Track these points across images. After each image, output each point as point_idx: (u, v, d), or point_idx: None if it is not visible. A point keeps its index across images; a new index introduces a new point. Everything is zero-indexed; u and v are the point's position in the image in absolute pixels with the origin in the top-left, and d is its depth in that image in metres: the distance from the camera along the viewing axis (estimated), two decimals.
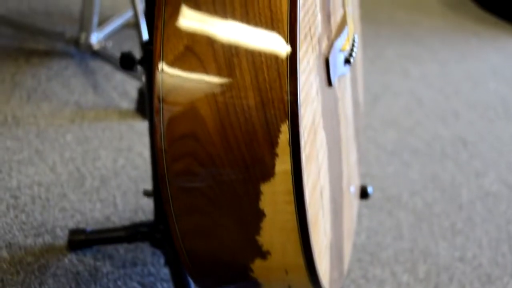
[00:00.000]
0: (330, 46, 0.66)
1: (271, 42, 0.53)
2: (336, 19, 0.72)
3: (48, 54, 1.39)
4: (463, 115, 1.61)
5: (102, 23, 1.46)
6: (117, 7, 1.69)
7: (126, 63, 0.79)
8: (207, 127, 0.54)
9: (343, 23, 0.74)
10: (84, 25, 1.38)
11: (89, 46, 1.39)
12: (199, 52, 0.54)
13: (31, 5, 1.61)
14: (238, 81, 0.54)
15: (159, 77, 0.55)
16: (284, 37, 0.53)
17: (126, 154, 1.16)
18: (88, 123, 1.22)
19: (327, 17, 0.66)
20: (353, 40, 0.76)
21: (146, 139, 1.21)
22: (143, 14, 1.32)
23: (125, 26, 1.54)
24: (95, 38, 1.39)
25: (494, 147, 1.48)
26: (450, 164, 1.39)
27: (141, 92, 1.28)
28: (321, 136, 0.63)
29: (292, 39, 0.53)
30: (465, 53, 2.00)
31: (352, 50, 0.73)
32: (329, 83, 0.66)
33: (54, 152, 1.13)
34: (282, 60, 0.53)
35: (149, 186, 1.09)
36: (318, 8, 0.62)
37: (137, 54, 1.43)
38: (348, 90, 0.83)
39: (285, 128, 0.53)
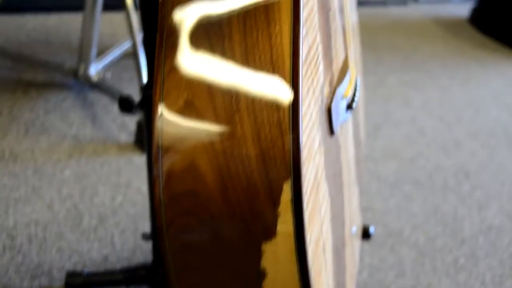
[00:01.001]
0: (333, 94, 0.65)
1: (273, 99, 0.52)
2: (338, 64, 0.71)
3: (46, 86, 1.38)
4: (465, 144, 1.60)
5: (101, 52, 1.45)
6: (116, 34, 1.69)
7: (125, 106, 0.78)
8: (208, 184, 0.53)
9: (345, 68, 0.73)
10: (83, 56, 1.37)
11: (87, 78, 1.38)
12: (200, 106, 0.53)
13: (30, 34, 1.60)
14: (240, 138, 0.52)
15: (158, 125, 0.54)
16: (286, 96, 0.51)
17: (124, 190, 1.14)
18: (86, 158, 1.20)
19: (329, 64, 0.65)
20: (355, 85, 0.75)
21: (144, 174, 1.20)
22: (142, 44, 1.31)
23: (124, 55, 1.53)
24: (94, 70, 1.39)
25: (496, 178, 1.47)
26: (452, 196, 1.37)
27: (139, 125, 1.27)
28: (324, 188, 0.61)
29: (294, 97, 0.52)
30: (466, 79, 2.00)
31: (354, 95, 0.72)
32: (331, 132, 0.64)
33: (52, 188, 1.11)
34: (284, 116, 0.52)
35: (147, 224, 1.08)
36: (320, 57, 0.60)
37: (136, 85, 1.43)
38: (349, 131, 0.81)
39: (287, 187, 0.52)
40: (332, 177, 0.66)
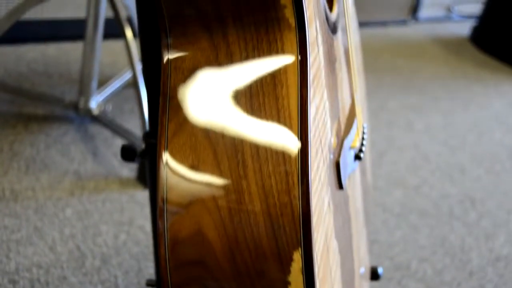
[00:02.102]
0: (340, 147, 0.64)
1: (281, 165, 0.51)
2: (344, 113, 0.70)
3: (47, 119, 1.37)
4: (469, 170, 1.58)
5: (101, 83, 1.44)
6: (116, 64, 1.68)
7: (127, 155, 0.76)
8: (216, 253, 0.51)
9: (351, 116, 0.72)
10: (84, 89, 1.36)
11: (88, 111, 1.37)
12: (205, 172, 0.52)
13: (30, 65, 1.59)
14: (247, 206, 0.51)
15: (163, 188, 0.53)
16: (295, 165, 0.50)
17: (127, 229, 1.13)
18: (88, 195, 1.19)
19: (336, 116, 0.64)
20: (363, 133, 0.73)
21: (147, 210, 1.18)
22: (142, 77, 1.30)
23: (125, 85, 1.52)
24: (95, 103, 1.37)
25: (502, 205, 1.45)
26: (458, 226, 1.35)
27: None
28: (334, 246, 0.60)
29: (303, 162, 0.50)
30: (468, 101, 1.98)
31: (362, 144, 0.71)
32: (340, 186, 0.63)
33: (54, 228, 1.09)
34: (293, 183, 0.50)
35: (150, 264, 1.06)
36: (327, 114, 0.59)
37: (137, 116, 1.41)
38: (357, 177, 0.80)
39: (297, 256, 0.50)
40: (341, 231, 0.65)
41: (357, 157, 0.69)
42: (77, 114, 1.38)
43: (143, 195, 1.22)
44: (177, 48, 0.54)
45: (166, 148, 0.52)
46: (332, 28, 0.65)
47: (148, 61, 0.71)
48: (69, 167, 1.25)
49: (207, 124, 0.52)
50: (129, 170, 1.27)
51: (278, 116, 0.51)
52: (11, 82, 1.49)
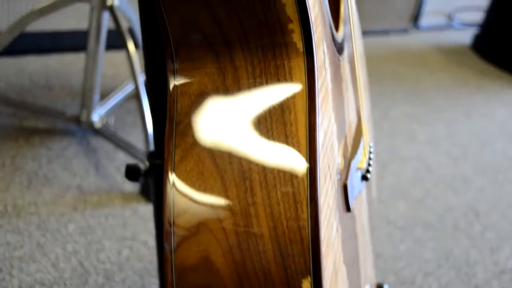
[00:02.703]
0: (347, 168, 0.63)
1: (290, 192, 0.50)
2: (351, 133, 0.69)
3: (49, 133, 1.36)
4: (473, 181, 1.57)
5: (103, 95, 1.43)
6: (118, 75, 1.67)
7: (131, 175, 0.76)
8: (223, 280, 0.51)
9: (358, 136, 0.71)
10: (86, 103, 1.35)
11: (90, 124, 1.36)
12: (213, 198, 0.51)
13: (31, 77, 1.58)
14: (256, 234, 0.50)
15: (170, 213, 0.52)
16: (304, 192, 0.49)
17: (130, 244, 1.12)
18: (91, 210, 1.18)
19: (343, 139, 0.63)
20: (370, 152, 0.73)
21: (150, 225, 1.17)
22: (145, 92, 1.30)
23: (127, 97, 1.52)
24: (97, 116, 1.37)
25: (506, 217, 1.45)
26: (463, 238, 1.35)
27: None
28: (342, 271, 0.59)
29: (312, 190, 0.50)
30: (471, 110, 1.98)
31: (369, 164, 0.70)
32: (348, 209, 0.62)
33: (57, 245, 1.09)
34: (302, 211, 0.50)
35: (154, 280, 1.05)
36: (335, 137, 0.59)
37: (139, 129, 1.41)
38: (363, 196, 0.79)
39: (306, 284, 0.49)
40: (348, 253, 0.64)
41: (364, 177, 0.69)
42: (79, 127, 1.37)
43: (146, 209, 1.21)
44: (183, 73, 0.53)
45: (173, 172, 0.52)
46: (339, 48, 0.65)
47: (152, 75, 0.71)
48: (71, 181, 1.24)
49: (214, 150, 0.51)
50: (131, 184, 1.27)
51: (286, 142, 0.51)
52: (12, 95, 1.48)
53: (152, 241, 1.14)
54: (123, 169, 1.31)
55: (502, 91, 2.18)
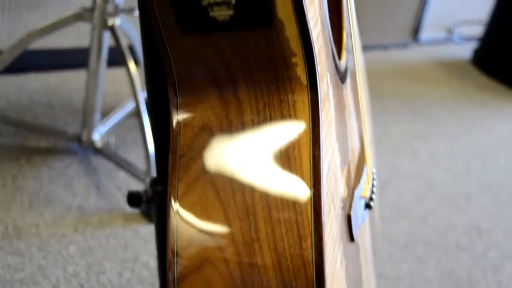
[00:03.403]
0: (351, 198, 0.63)
1: (294, 227, 0.50)
2: (354, 160, 0.69)
3: (50, 152, 1.36)
4: (475, 198, 1.57)
5: (104, 113, 1.43)
6: (119, 93, 1.67)
7: (133, 202, 0.76)
8: None
9: (361, 163, 0.71)
10: (86, 122, 1.35)
11: (91, 143, 1.36)
12: (216, 232, 0.51)
13: (32, 95, 1.58)
14: (260, 268, 0.50)
15: (173, 246, 0.52)
16: (308, 227, 0.49)
17: (131, 266, 1.12)
18: (92, 231, 1.17)
19: (346, 164, 0.63)
20: (373, 179, 0.72)
21: (151, 246, 1.17)
22: (147, 111, 1.30)
23: (128, 115, 1.51)
24: (98, 135, 1.37)
25: (509, 235, 1.44)
26: (465, 257, 1.34)
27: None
28: None
29: (316, 224, 0.49)
30: (472, 126, 1.98)
31: (372, 192, 0.70)
32: (351, 239, 0.62)
33: (57, 267, 1.08)
34: (306, 246, 0.49)
35: None
36: (338, 168, 0.58)
37: (140, 147, 1.40)
38: (366, 223, 0.79)
39: None
40: (352, 284, 0.64)
41: (368, 206, 0.68)
42: (80, 147, 1.37)
43: (147, 230, 1.21)
44: (186, 106, 0.53)
45: (176, 204, 0.52)
46: (342, 77, 0.65)
47: (153, 93, 0.70)
48: (72, 201, 1.24)
49: (218, 184, 0.51)
50: None
51: (290, 177, 0.50)
52: (13, 114, 1.48)
53: (153, 263, 1.13)
54: (124, 189, 1.31)
55: (503, 106, 2.18)
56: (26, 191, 1.24)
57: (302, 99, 0.51)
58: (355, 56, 0.77)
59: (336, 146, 0.57)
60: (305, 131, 0.51)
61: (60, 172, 1.31)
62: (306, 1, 0.48)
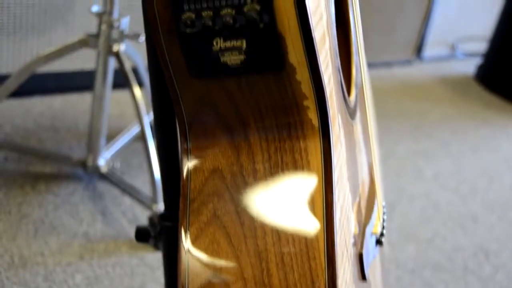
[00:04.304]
0: (363, 236, 0.62)
1: (307, 275, 0.49)
2: (364, 194, 0.68)
3: (55, 178, 1.36)
4: (481, 219, 1.56)
5: (109, 137, 1.43)
6: (124, 115, 1.67)
7: (141, 237, 0.75)
8: None
9: (371, 197, 0.70)
10: (92, 147, 1.35)
11: (96, 169, 1.36)
12: (229, 278, 0.50)
13: (37, 119, 1.58)
14: None
15: (184, 277, 0.51)
16: (322, 273, 0.48)
17: None
18: (98, 259, 1.17)
19: (357, 201, 0.63)
20: (383, 213, 0.72)
21: (158, 274, 1.16)
22: (150, 130, 1.30)
23: (134, 139, 1.51)
24: (103, 160, 1.36)
25: None
26: (473, 280, 1.33)
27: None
28: None
29: (330, 270, 0.49)
30: (477, 144, 1.97)
31: (383, 227, 0.69)
32: (363, 277, 0.61)
33: None
34: None
35: None
36: (350, 207, 0.58)
37: (145, 172, 1.40)
38: (377, 258, 0.78)
39: None
40: None
41: (379, 242, 0.68)
42: (85, 172, 1.37)
43: (154, 257, 1.20)
44: (197, 150, 0.52)
45: (187, 251, 0.51)
46: (351, 113, 0.64)
47: (159, 117, 0.69)
48: (78, 229, 1.23)
49: (229, 230, 0.51)
50: None
51: (303, 223, 0.50)
52: (18, 139, 1.48)
53: None
54: (129, 214, 1.30)
55: (508, 123, 2.18)
56: (31, 219, 1.24)
57: (314, 144, 0.50)
58: (363, 77, 0.76)
59: (347, 186, 0.57)
60: (317, 176, 0.50)
61: (65, 199, 1.31)
62: (318, 45, 0.48)
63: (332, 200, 0.50)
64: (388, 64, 2.48)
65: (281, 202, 0.50)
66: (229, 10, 0.46)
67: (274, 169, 0.51)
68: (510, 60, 2.40)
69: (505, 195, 1.69)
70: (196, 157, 0.52)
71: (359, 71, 0.72)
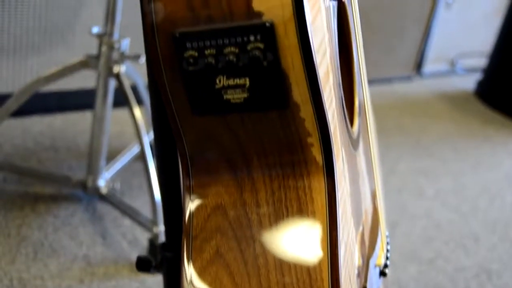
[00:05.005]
0: (366, 269, 0.61)
1: None
2: (368, 223, 0.67)
3: (54, 199, 1.35)
4: (483, 238, 1.55)
5: (109, 156, 1.42)
6: (124, 134, 1.67)
7: (142, 267, 0.74)
8: None
9: (375, 227, 0.69)
10: (92, 168, 1.34)
11: (96, 190, 1.35)
12: None
13: (36, 139, 1.57)
14: None
15: None
16: None
17: None
18: (98, 282, 1.16)
19: (360, 232, 0.62)
20: (387, 243, 0.71)
21: None
22: (151, 150, 1.29)
23: (134, 159, 1.51)
24: (103, 181, 1.35)
25: None
26: None
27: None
28: None
29: None
30: (477, 162, 1.97)
31: (387, 258, 0.69)
32: None
33: None
34: None
35: None
36: (354, 241, 0.57)
37: (145, 192, 1.39)
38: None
39: None
40: None
41: (382, 273, 0.67)
42: (85, 193, 1.36)
43: (154, 280, 1.19)
44: (199, 187, 0.52)
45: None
46: (354, 144, 0.64)
47: (160, 136, 0.68)
48: (78, 251, 1.22)
49: (232, 268, 0.50)
50: (139, 252, 1.25)
51: (306, 261, 0.49)
52: (17, 159, 1.47)
53: None
54: (129, 236, 1.29)
55: (509, 140, 2.17)
56: (31, 241, 1.23)
57: (318, 181, 0.50)
58: (365, 96, 0.76)
59: (352, 222, 0.56)
60: (321, 214, 0.49)
61: (65, 220, 1.30)
62: (322, 82, 0.47)
63: (336, 238, 0.49)
64: (388, 80, 2.48)
65: (284, 239, 0.50)
66: (232, 49, 0.46)
67: (278, 206, 0.50)
68: (510, 76, 2.40)
69: (506, 213, 1.69)
70: (199, 194, 0.52)
71: (360, 90, 0.71)
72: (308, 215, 0.50)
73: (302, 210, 0.50)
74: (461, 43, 2.66)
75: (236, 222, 0.51)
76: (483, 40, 2.66)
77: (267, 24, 0.44)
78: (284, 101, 0.47)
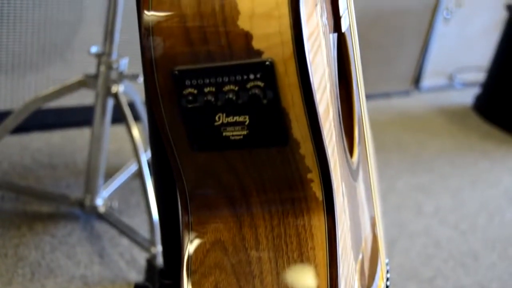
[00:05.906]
0: None
1: None
2: (367, 252, 0.67)
3: (52, 218, 1.34)
4: (483, 256, 1.55)
5: (107, 172, 1.41)
6: (122, 151, 1.66)
7: None
8: None
9: (375, 256, 0.69)
10: (89, 187, 1.34)
11: (94, 208, 1.34)
12: None
13: (34, 156, 1.57)
14: None
15: None
16: None
17: None
18: None
19: (360, 262, 0.61)
20: (387, 272, 0.71)
21: None
22: (148, 169, 1.28)
23: (131, 177, 1.50)
24: (101, 200, 1.35)
25: None
26: None
27: (150, 263, 1.22)
28: None
29: None
30: (476, 177, 1.96)
31: (387, 287, 0.68)
32: None
33: None
34: None
35: None
36: (355, 273, 0.57)
37: (143, 209, 1.39)
38: None
39: None
40: None
41: None
42: (83, 212, 1.36)
43: None
44: (198, 223, 0.52)
45: None
46: (354, 175, 0.63)
47: (157, 155, 0.67)
48: (75, 271, 1.22)
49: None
50: (136, 272, 1.24)
51: None
52: (15, 177, 1.47)
53: None
54: (127, 255, 1.29)
55: (507, 156, 2.17)
56: (28, 262, 1.22)
57: (317, 217, 0.50)
58: (363, 114, 0.75)
59: (352, 256, 0.56)
60: (321, 250, 0.49)
61: (63, 240, 1.29)
62: (322, 118, 0.47)
63: (336, 274, 0.49)
64: (386, 95, 2.48)
65: (283, 276, 0.49)
66: (232, 87, 0.45)
67: (277, 242, 0.50)
68: (508, 90, 2.40)
69: (506, 231, 1.68)
70: (198, 230, 0.51)
71: (359, 106, 0.71)
72: (308, 251, 0.49)
73: (301, 246, 0.50)
74: (459, 57, 2.66)
75: (235, 258, 0.50)
76: (481, 54, 2.67)
77: (267, 63, 0.44)
78: (284, 138, 0.47)
